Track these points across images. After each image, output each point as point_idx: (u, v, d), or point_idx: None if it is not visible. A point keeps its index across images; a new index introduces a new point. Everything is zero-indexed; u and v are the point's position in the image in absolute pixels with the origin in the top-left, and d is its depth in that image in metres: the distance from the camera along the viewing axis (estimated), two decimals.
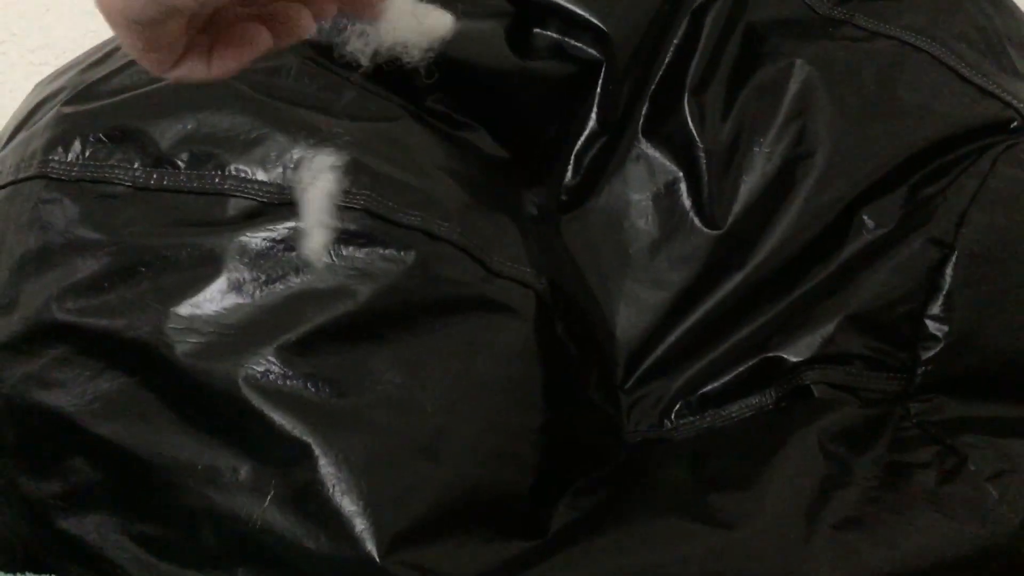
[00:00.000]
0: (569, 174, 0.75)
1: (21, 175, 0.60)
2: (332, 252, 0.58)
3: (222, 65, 0.42)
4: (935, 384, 0.67)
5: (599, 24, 0.72)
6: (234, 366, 0.55)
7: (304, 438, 0.53)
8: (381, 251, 0.58)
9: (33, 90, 0.71)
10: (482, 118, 0.71)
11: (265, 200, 0.58)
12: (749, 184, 0.72)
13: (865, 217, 0.69)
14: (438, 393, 0.57)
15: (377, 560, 0.51)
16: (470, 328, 0.60)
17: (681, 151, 0.74)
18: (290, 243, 0.58)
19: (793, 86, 0.72)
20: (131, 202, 0.58)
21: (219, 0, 0.37)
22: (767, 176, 0.72)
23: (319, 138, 0.60)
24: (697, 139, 0.73)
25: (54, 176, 0.59)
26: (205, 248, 0.57)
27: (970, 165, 0.69)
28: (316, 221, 0.52)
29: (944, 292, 0.66)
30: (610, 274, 0.74)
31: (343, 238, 0.58)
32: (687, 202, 0.74)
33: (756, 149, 0.72)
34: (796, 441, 0.62)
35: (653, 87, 0.75)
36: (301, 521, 0.52)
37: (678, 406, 0.71)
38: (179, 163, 0.59)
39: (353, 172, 0.59)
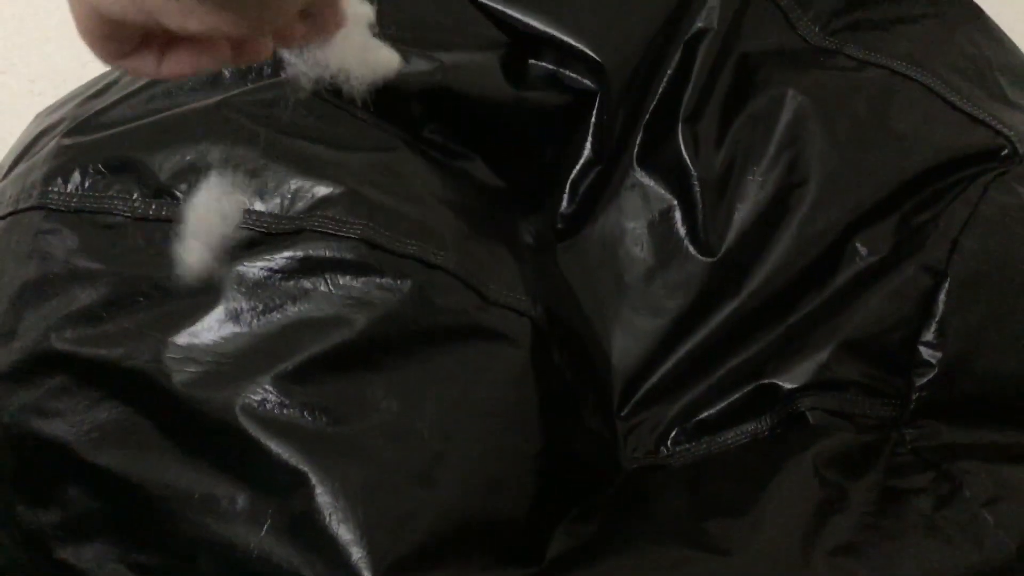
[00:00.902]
0: (565, 202, 0.76)
1: (21, 206, 0.61)
2: (329, 281, 0.58)
3: (173, 67, 0.40)
4: (930, 410, 0.67)
5: (594, 55, 0.73)
6: (231, 395, 0.55)
7: (300, 467, 0.54)
8: (378, 280, 0.59)
9: (33, 121, 0.72)
10: (478, 147, 0.72)
11: (263, 230, 0.59)
12: (743, 212, 0.73)
13: (858, 244, 0.70)
14: (434, 420, 0.57)
15: None
16: (466, 356, 0.60)
17: (675, 179, 0.75)
18: (288, 272, 0.58)
19: (785, 115, 0.73)
20: (130, 232, 0.59)
21: (209, 31, 0.35)
22: (761, 204, 0.72)
23: (316, 168, 0.61)
24: (691, 167, 0.74)
25: (53, 207, 0.59)
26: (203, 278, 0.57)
27: (961, 192, 0.70)
28: (197, 233, 0.52)
29: (937, 319, 0.67)
30: (606, 301, 0.75)
31: (340, 267, 0.59)
32: (682, 230, 0.75)
33: (749, 177, 0.73)
34: (792, 467, 0.62)
35: (647, 116, 0.76)
36: (298, 550, 0.52)
37: (674, 433, 0.71)
38: (178, 194, 0.59)
39: (350, 202, 0.60)
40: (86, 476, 0.55)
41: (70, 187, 0.60)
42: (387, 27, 0.68)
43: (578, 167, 0.76)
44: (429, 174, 0.67)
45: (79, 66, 1.10)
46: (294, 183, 0.60)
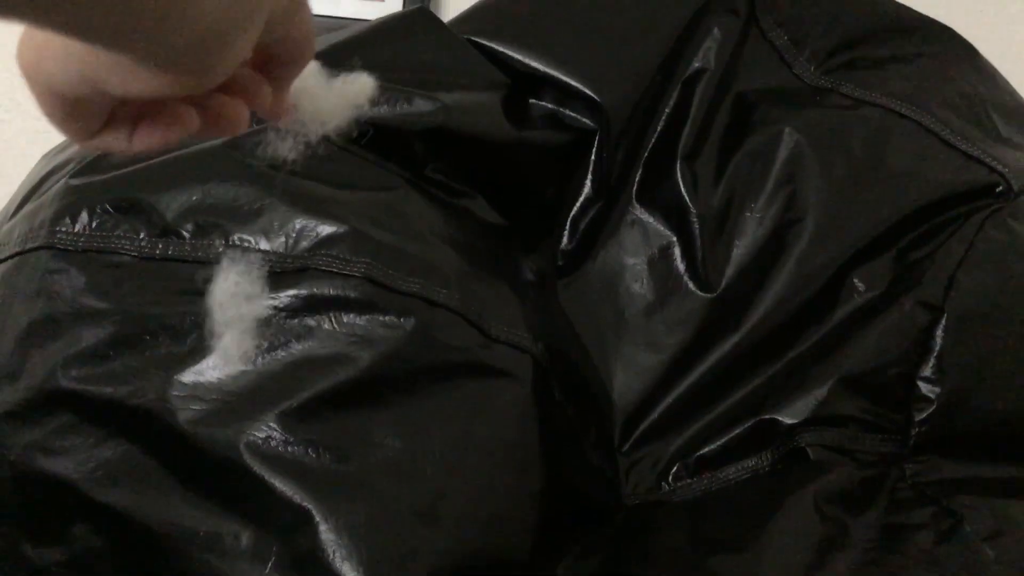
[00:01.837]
0: (565, 239, 0.77)
1: (28, 245, 0.61)
2: (333, 319, 0.59)
3: (144, 141, 0.39)
4: (930, 445, 0.67)
5: (593, 95, 0.74)
6: (236, 433, 0.55)
7: (305, 504, 0.54)
8: (381, 318, 0.59)
9: (40, 161, 0.73)
10: (480, 186, 0.73)
11: (268, 268, 0.59)
12: (741, 248, 0.73)
13: (856, 280, 0.71)
14: (438, 457, 0.57)
15: None
16: (469, 393, 0.60)
17: (675, 216, 0.76)
18: (292, 310, 0.58)
19: (782, 153, 0.74)
20: (137, 271, 0.59)
21: (155, 94, 0.34)
22: (759, 240, 0.73)
23: (320, 208, 0.61)
24: (690, 204, 0.74)
25: (61, 247, 0.60)
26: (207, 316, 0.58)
27: (957, 229, 0.71)
28: (229, 322, 0.53)
29: (935, 354, 0.67)
30: (607, 337, 0.75)
31: (344, 305, 0.59)
32: (681, 266, 0.75)
33: (748, 214, 0.74)
34: (793, 503, 0.62)
35: (646, 154, 0.77)
36: None
37: (675, 468, 0.71)
38: (184, 233, 0.60)
39: (353, 241, 0.60)
40: (91, 514, 0.55)
41: (78, 227, 0.60)
42: (388, 69, 0.70)
43: (578, 204, 0.76)
44: (431, 212, 0.67)
45: None
46: (299, 222, 0.61)
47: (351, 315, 0.59)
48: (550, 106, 0.76)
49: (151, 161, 0.63)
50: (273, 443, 0.55)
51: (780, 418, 0.69)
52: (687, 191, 0.75)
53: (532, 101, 0.76)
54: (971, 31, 0.84)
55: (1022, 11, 1.05)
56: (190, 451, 0.55)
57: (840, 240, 0.71)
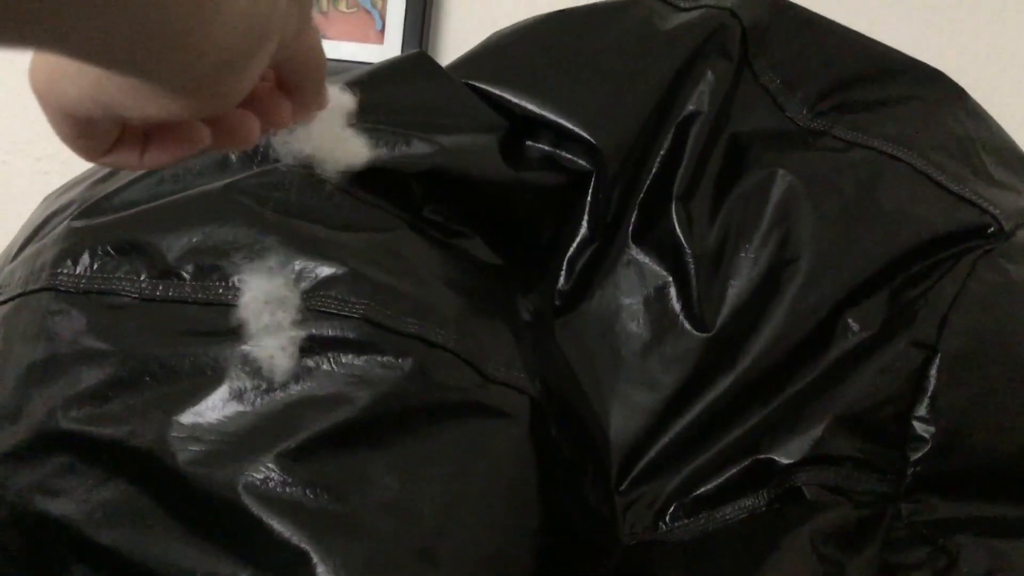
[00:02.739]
0: (562, 279, 0.77)
1: (30, 287, 0.62)
2: (332, 360, 0.59)
3: (156, 158, 0.39)
4: (925, 484, 0.68)
5: (589, 137, 0.75)
6: (234, 473, 0.55)
7: (302, 545, 0.54)
8: (379, 358, 0.60)
9: (42, 203, 0.73)
10: (477, 227, 0.74)
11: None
12: (736, 288, 0.74)
13: (850, 320, 0.71)
14: (435, 497, 0.58)
15: None
16: (466, 433, 0.61)
17: (670, 256, 0.76)
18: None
19: (776, 194, 0.75)
20: (137, 313, 0.60)
21: (169, 117, 0.34)
22: (753, 280, 0.74)
23: (319, 249, 0.62)
24: (685, 244, 0.75)
25: (62, 288, 0.60)
26: (208, 357, 0.58)
27: (949, 269, 0.71)
28: (268, 330, 0.53)
29: (929, 394, 0.68)
30: (603, 376, 0.75)
31: (342, 346, 0.59)
32: (677, 305, 0.76)
33: (742, 254, 0.74)
34: (789, 544, 0.62)
35: (642, 195, 0.78)
36: None
37: (672, 508, 0.71)
38: (184, 275, 0.61)
39: (352, 282, 0.61)
40: (91, 555, 0.55)
41: (79, 269, 0.61)
42: (387, 112, 0.71)
43: (575, 245, 0.77)
44: (429, 253, 0.68)
45: None
46: (298, 263, 0.61)
47: (350, 356, 0.59)
48: (546, 148, 0.77)
49: (151, 204, 0.63)
50: (271, 484, 0.55)
51: (776, 457, 0.69)
52: (682, 231, 0.76)
53: (528, 143, 0.77)
54: (962, 72, 0.86)
55: (1014, 52, 1.07)
56: (189, 492, 0.56)
57: (834, 280, 0.72)
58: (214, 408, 0.57)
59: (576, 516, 0.68)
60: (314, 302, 0.60)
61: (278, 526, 0.54)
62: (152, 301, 0.60)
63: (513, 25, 0.82)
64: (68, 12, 0.25)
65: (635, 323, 0.76)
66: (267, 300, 0.54)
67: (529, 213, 0.76)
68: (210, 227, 0.62)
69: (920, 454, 0.67)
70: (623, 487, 0.73)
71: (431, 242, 0.69)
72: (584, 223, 0.77)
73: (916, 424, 0.68)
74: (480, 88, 0.76)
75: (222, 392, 0.58)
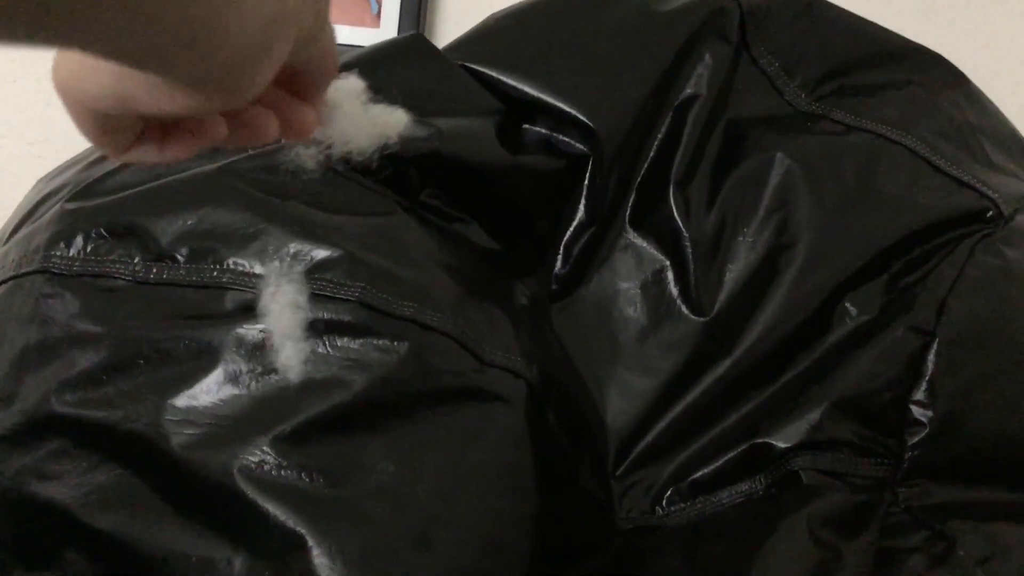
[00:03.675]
0: (559, 264, 0.77)
1: (23, 269, 0.61)
2: (327, 343, 0.59)
3: (175, 151, 0.40)
4: (922, 469, 0.67)
5: (586, 120, 0.74)
6: (229, 457, 0.55)
7: (298, 529, 0.54)
8: (375, 342, 0.59)
9: (35, 185, 0.73)
10: (474, 211, 0.73)
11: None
12: (734, 272, 0.74)
13: (848, 305, 0.71)
14: (431, 482, 0.57)
15: None
16: (463, 417, 0.60)
17: (668, 241, 0.76)
18: None
19: (774, 178, 0.74)
20: (131, 296, 0.59)
21: (186, 113, 0.35)
22: (751, 265, 0.73)
23: (315, 232, 0.62)
24: (683, 229, 0.75)
25: (56, 271, 0.60)
26: (203, 340, 0.58)
27: (948, 254, 0.71)
28: (286, 335, 0.53)
29: (927, 378, 0.68)
30: (600, 361, 0.75)
31: (338, 329, 0.59)
32: (674, 290, 0.75)
33: (740, 239, 0.74)
34: (787, 528, 0.62)
35: (639, 179, 0.77)
36: None
37: (669, 493, 0.71)
38: (179, 257, 0.60)
39: (348, 265, 0.61)
40: (85, 539, 0.55)
41: (72, 251, 0.60)
42: (382, 95, 0.70)
43: (572, 229, 0.77)
44: (426, 238, 0.68)
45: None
46: (293, 246, 0.61)
47: (345, 339, 0.59)
48: (544, 132, 0.76)
49: (145, 186, 0.63)
50: (266, 467, 0.55)
51: (773, 442, 0.69)
52: (680, 216, 0.75)
53: (526, 127, 0.76)
54: (962, 57, 0.85)
55: (1012, 38, 1.07)
56: (183, 476, 0.55)
57: (832, 265, 0.72)
58: (209, 391, 0.57)
59: (573, 501, 0.67)
60: (309, 285, 0.60)
61: (273, 510, 0.54)
62: (146, 284, 0.60)
63: (510, 7, 0.81)
64: (82, 9, 0.25)
65: (632, 308, 0.76)
66: (284, 304, 0.54)
67: (526, 197, 0.76)
68: (204, 210, 0.61)
69: (918, 439, 0.67)
70: (620, 472, 0.72)
71: (428, 226, 0.69)
72: (581, 207, 0.76)
73: (914, 409, 0.67)
74: (477, 71, 0.75)
75: (217, 375, 0.57)
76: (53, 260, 0.60)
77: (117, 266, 0.60)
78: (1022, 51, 1.06)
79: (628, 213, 0.78)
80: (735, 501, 0.69)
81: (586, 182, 0.76)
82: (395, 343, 0.60)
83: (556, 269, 0.77)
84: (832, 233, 0.72)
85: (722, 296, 0.74)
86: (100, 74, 0.35)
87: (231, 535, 0.55)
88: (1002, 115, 0.85)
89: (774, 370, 0.72)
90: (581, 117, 0.74)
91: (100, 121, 0.37)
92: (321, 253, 0.61)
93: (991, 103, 0.85)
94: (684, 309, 0.75)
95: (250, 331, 0.58)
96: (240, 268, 0.60)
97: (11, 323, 0.60)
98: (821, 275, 0.72)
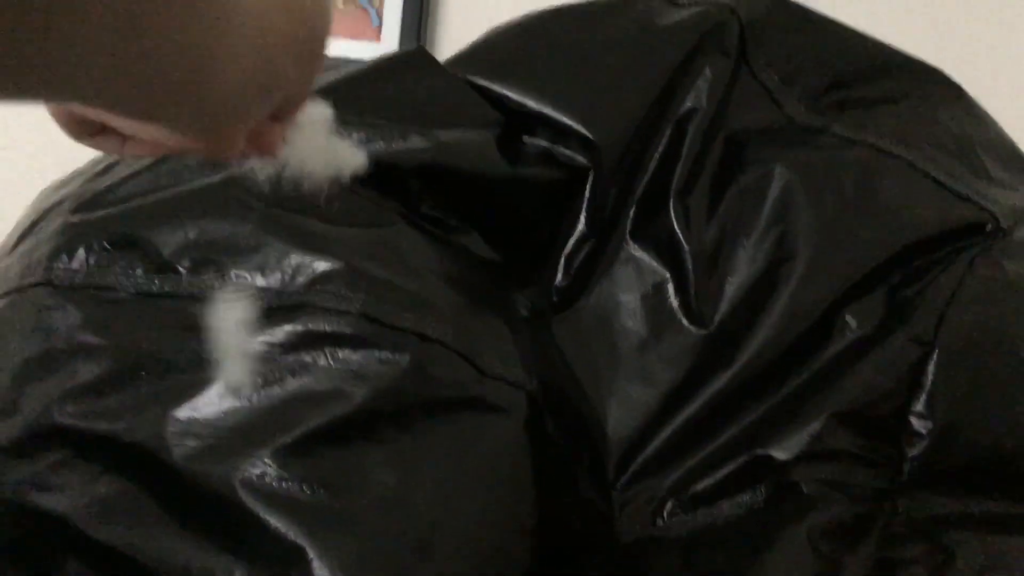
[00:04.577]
0: (559, 276, 0.77)
1: (26, 281, 0.62)
2: (328, 355, 0.59)
3: (136, 149, 0.40)
4: (922, 480, 0.67)
5: (586, 132, 0.74)
6: (231, 469, 0.55)
7: (298, 541, 0.54)
8: (376, 353, 0.60)
9: (38, 197, 0.73)
10: (474, 222, 0.74)
11: (264, 305, 0.60)
12: (734, 284, 0.74)
13: (847, 317, 0.71)
14: (431, 493, 0.58)
15: None
16: (462, 428, 0.61)
17: (668, 252, 0.76)
18: (288, 346, 0.59)
19: (774, 191, 0.74)
20: (133, 308, 0.59)
21: (147, 137, 0.36)
22: (751, 277, 0.73)
23: (316, 244, 0.62)
24: (683, 241, 0.75)
25: (58, 283, 0.60)
26: (204, 352, 0.58)
27: (947, 267, 0.71)
28: (234, 352, 0.54)
29: (927, 389, 0.68)
30: (601, 372, 0.75)
31: (339, 341, 0.59)
32: (675, 302, 0.75)
33: (740, 251, 0.74)
34: (787, 539, 0.62)
35: (640, 192, 0.77)
36: None
37: (670, 504, 0.71)
38: (181, 269, 0.60)
39: (349, 277, 0.61)
40: (85, 550, 0.55)
41: (75, 263, 0.61)
42: (384, 107, 0.70)
43: (572, 241, 0.77)
44: (426, 249, 0.68)
45: None
46: (295, 258, 0.61)
47: (346, 351, 0.59)
48: (544, 144, 0.77)
49: (148, 198, 0.63)
50: (267, 479, 0.55)
51: (774, 453, 0.69)
52: (680, 228, 0.75)
53: (526, 139, 0.77)
54: (961, 70, 0.86)
55: (1012, 52, 1.07)
56: (185, 487, 0.56)
57: (832, 277, 0.72)
58: (210, 403, 0.57)
59: (573, 512, 0.68)
60: (311, 297, 0.60)
61: (274, 522, 0.54)
62: (148, 296, 0.60)
63: (511, 21, 0.82)
64: (64, 67, 0.25)
65: (633, 320, 0.76)
66: (236, 322, 0.55)
67: (526, 209, 0.76)
68: (206, 221, 0.62)
69: (917, 450, 0.67)
70: (620, 483, 0.72)
71: (428, 238, 0.69)
72: (582, 219, 0.77)
73: (913, 420, 0.68)
74: (478, 84, 0.76)
75: (219, 387, 0.58)
76: (56, 272, 0.61)
77: (119, 278, 0.60)
78: (1021, 59, 1.07)
79: (629, 225, 0.78)
80: (736, 513, 0.69)
81: (587, 194, 0.76)
82: (396, 355, 0.60)
83: (557, 281, 0.77)
84: (832, 245, 0.72)
85: (722, 308, 0.74)
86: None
87: (232, 547, 0.55)
88: (1001, 128, 0.86)
89: (774, 382, 0.72)
90: (582, 130, 0.75)
91: (68, 112, 0.38)
92: (322, 265, 0.61)
93: (989, 116, 0.85)
94: (684, 321, 0.75)
95: (252, 343, 0.59)
96: (242, 280, 0.60)
97: (13, 335, 0.60)
98: (821, 287, 0.72)
